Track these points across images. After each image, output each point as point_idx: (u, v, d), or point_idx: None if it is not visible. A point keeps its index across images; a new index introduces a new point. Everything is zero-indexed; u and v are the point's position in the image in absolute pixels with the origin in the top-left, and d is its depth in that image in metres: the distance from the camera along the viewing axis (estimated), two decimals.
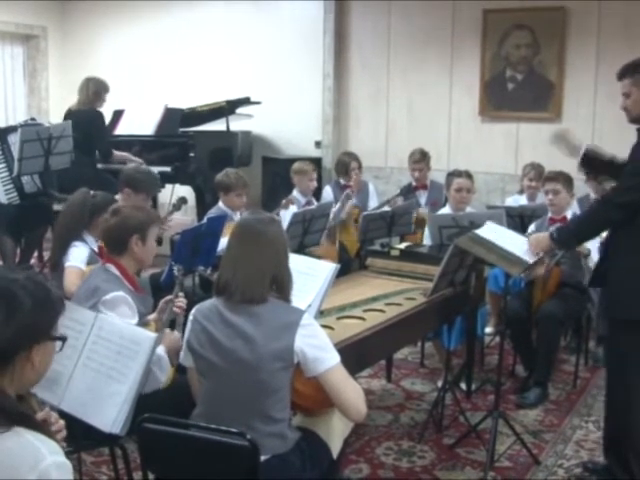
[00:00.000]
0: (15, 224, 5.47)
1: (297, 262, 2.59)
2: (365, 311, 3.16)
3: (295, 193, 5.29)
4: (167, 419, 2.06)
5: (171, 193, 6.35)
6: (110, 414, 2.21)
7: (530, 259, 3.12)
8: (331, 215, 4.81)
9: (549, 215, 4.36)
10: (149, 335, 2.32)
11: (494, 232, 3.23)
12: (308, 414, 2.41)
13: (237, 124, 6.83)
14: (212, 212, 4.44)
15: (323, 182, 6.32)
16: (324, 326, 2.61)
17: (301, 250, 4.16)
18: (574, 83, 5.89)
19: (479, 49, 6.20)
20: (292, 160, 5.97)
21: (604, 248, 3.16)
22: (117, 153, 6.06)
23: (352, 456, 3.31)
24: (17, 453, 1.40)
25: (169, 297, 2.71)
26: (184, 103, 6.85)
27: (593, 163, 3.23)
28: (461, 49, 6.29)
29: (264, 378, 2.13)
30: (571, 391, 4.22)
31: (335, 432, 2.38)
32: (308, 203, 5.24)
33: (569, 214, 4.29)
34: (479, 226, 3.38)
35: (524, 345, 4.21)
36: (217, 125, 6.86)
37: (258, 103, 6.83)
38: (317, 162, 6.42)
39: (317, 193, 5.69)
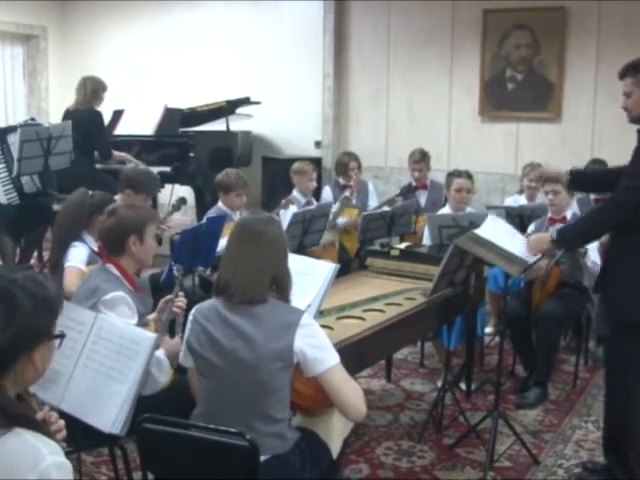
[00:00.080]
0: (15, 224, 5.46)
1: (297, 262, 2.59)
2: (365, 311, 3.16)
3: (295, 193, 5.29)
4: (167, 419, 2.06)
5: (171, 193, 6.35)
6: (110, 414, 2.21)
7: (529, 259, 3.12)
8: (330, 215, 4.81)
9: (549, 215, 4.36)
10: (149, 335, 2.32)
11: (495, 228, 3.22)
12: (308, 414, 2.41)
13: (237, 124, 6.83)
14: (212, 212, 4.44)
15: (323, 182, 6.32)
16: (324, 326, 2.61)
17: (301, 250, 4.16)
18: (574, 83, 5.89)
19: (479, 49, 6.20)
20: (292, 160, 5.96)
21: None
22: (116, 153, 6.06)
23: (352, 456, 3.32)
24: (17, 453, 1.40)
25: (169, 297, 2.71)
26: (184, 103, 6.86)
27: (583, 181, 3.23)
28: (461, 49, 6.29)
29: (264, 378, 2.13)
30: (571, 391, 4.22)
31: (335, 432, 2.38)
32: (308, 203, 5.24)
33: (569, 214, 4.28)
34: (479, 226, 3.37)
35: (524, 345, 4.21)
36: (217, 125, 6.86)
37: (258, 103, 6.83)
38: (317, 162, 6.42)
39: (317, 193, 5.69)
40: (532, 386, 4.06)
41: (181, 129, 6.70)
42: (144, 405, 2.21)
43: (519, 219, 4.52)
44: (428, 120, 6.50)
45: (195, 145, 6.45)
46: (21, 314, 1.47)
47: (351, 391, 2.17)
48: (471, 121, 6.34)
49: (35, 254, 6.03)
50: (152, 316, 2.78)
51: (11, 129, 5.63)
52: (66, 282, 3.28)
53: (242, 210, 4.45)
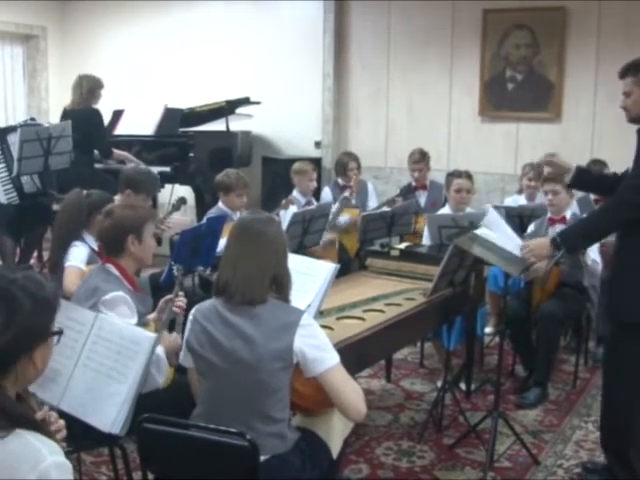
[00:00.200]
0: (15, 224, 5.46)
1: (296, 262, 2.59)
2: (365, 311, 3.16)
3: (295, 193, 5.29)
4: (167, 419, 2.06)
5: (171, 193, 6.35)
6: (110, 414, 2.21)
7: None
8: (330, 216, 4.81)
9: (548, 215, 4.36)
10: (149, 335, 2.32)
11: (495, 225, 3.21)
12: (308, 414, 2.41)
13: (237, 124, 6.83)
14: (212, 212, 4.44)
15: (323, 182, 6.32)
16: (324, 326, 2.61)
17: (301, 250, 4.16)
18: (574, 83, 5.89)
19: (479, 49, 6.20)
20: (292, 160, 5.97)
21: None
22: (117, 152, 6.05)
23: (352, 456, 3.32)
24: (18, 454, 1.40)
25: (169, 296, 2.70)
26: (184, 103, 6.85)
27: (585, 179, 3.22)
28: (461, 49, 6.29)
29: (264, 378, 2.13)
30: (571, 391, 4.22)
31: (335, 432, 2.38)
32: (308, 203, 5.24)
33: (568, 214, 4.28)
34: (479, 226, 3.37)
35: (524, 345, 4.21)
36: (217, 125, 6.86)
37: (258, 103, 6.83)
38: (317, 162, 6.42)
39: (317, 193, 5.69)
40: (532, 386, 4.06)
41: (181, 129, 6.70)
42: (144, 405, 2.21)
43: (519, 219, 4.52)
44: (428, 120, 6.50)
45: (195, 145, 6.45)
46: (21, 315, 1.47)
47: (351, 391, 2.17)
48: (471, 121, 6.34)
49: (35, 254, 6.03)
50: (152, 316, 2.78)
51: (11, 129, 5.62)
52: (66, 282, 3.28)
53: (242, 210, 4.45)
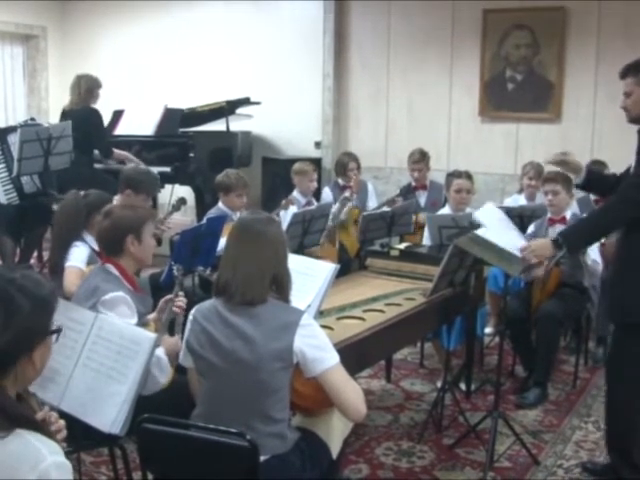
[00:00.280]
0: (15, 224, 5.46)
1: (296, 262, 2.59)
2: (365, 311, 3.16)
3: (295, 193, 5.29)
4: (166, 419, 2.06)
5: (171, 193, 6.36)
6: (110, 414, 2.21)
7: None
8: (330, 216, 4.81)
9: (548, 215, 4.36)
10: (149, 335, 2.32)
11: (494, 221, 3.21)
12: (308, 414, 2.41)
13: (237, 124, 6.83)
14: (212, 212, 4.45)
15: (323, 182, 6.32)
16: (324, 326, 2.61)
17: (301, 250, 4.16)
18: (574, 83, 5.89)
19: (479, 49, 6.20)
20: (292, 160, 5.97)
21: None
22: (117, 151, 6.05)
23: (352, 456, 3.31)
24: (18, 454, 1.40)
25: (169, 296, 2.70)
26: (184, 103, 6.86)
27: (594, 181, 3.20)
28: (461, 49, 6.30)
29: (264, 378, 2.13)
30: (571, 391, 4.22)
31: (335, 432, 2.38)
32: (308, 203, 5.24)
33: (568, 215, 4.28)
34: (479, 226, 3.37)
35: (524, 345, 4.21)
36: (217, 125, 6.86)
37: (258, 103, 6.84)
38: (317, 162, 6.42)
39: (317, 194, 5.69)
40: (532, 386, 4.06)
41: (181, 129, 6.70)
42: (144, 405, 2.21)
43: (519, 219, 4.51)
44: (428, 120, 6.50)
45: (195, 145, 6.45)
46: (20, 315, 1.47)
47: (351, 391, 2.17)
48: (471, 121, 6.34)
49: (35, 254, 6.03)
50: (152, 316, 2.78)
51: (11, 129, 5.62)
52: (66, 282, 3.28)
53: (242, 210, 4.45)
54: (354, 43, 6.82)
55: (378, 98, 6.75)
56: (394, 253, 4.00)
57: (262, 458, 2.05)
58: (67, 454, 1.48)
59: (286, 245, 2.33)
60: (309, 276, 2.70)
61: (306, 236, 4.33)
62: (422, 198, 5.59)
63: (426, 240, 4.46)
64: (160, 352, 2.44)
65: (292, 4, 6.99)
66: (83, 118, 5.60)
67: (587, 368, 4.57)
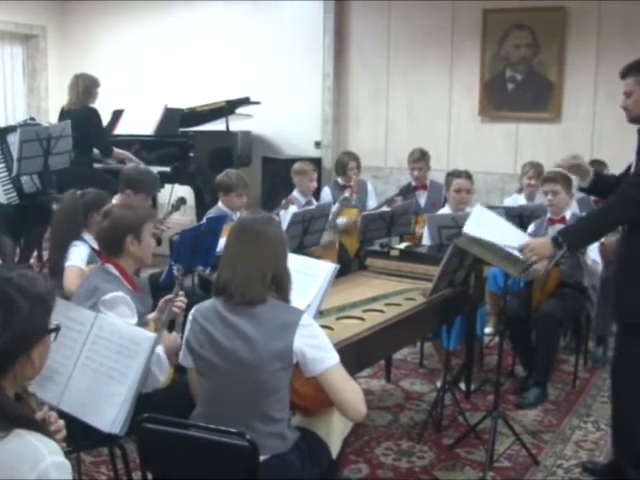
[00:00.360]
0: (14, 224, 5.46)
1: (296, 262, 2.59)
2: (365, 311, 3.16)
3: (295, 193, 5.30)
4: (166, 419, 2.06)
5: (170, 193, 6.36)
6: (109, 414, 2.21)
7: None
8: (330, 216, 4.81)
9: (548, 215, 4.36)
10: (149, 335, 2.32)
11: (488, 224, 3.21)
12: (307, 414, 2.41)
13: (237, 124, 6.83)
14: (212, 212, 4.44)
15: (323, 182, 6.31)
16: (323, 326, 2.61)
17: (300, 250, 4.16)
18: (574, 83, 5.89)
19: (479, 49, 6.20)
20: (292, 160, 5.97)
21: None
22: (117, 150, 6.05)
23: (351, 456, 3.31)
24: (18, 454, 1.40)
25: (169, 296, 2.70)
26: (184, 103, 6.85)
27: (600, 185, 3.19)
28: (461, 49, 6.30)
29: (264, 378, 2.13)
30: (570, 391, 4.22)
31: (334, 432, 2.38)
32: (308, 203, 5.24)
33: (568, 214, 4.28)
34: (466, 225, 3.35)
35: (523, 345, 4.21)
36: (217, 125, 6.86)
37: (258, 103, 6.83)
38: (317, 162, 6.42)
39: (317, 193, 5.70)
40: (531, 386, 4.06)
41: (181, 129, 6.70)
42: (144, 405, 2.21)
43: (519, 219, 4.52)
44: (428, 120, 6.50)
45: (195, 145, 6.45)
46: (18, 316, 1.47)
47: (351, 391, 2.17)
48: (471, 121, 6.34)
49: (35, 254, 6.03)
50: (152, 316, 2.79)
51: (11, 129, 5.62)
52: (66, 281, 3.28)
53: (242, 210, 4.45)
54: (354, 43, 6.82)
55: (378, 98, 6.75)
56: (394, 253, 4.00)
57: (262, 458, 2.05)
58: (67, 454, 1.48)
59: (286, 245, 2.33)
60: (309, 276, 2.70)
61: (306, 236, 4.33)
62: (422, 198, 5.59)
63: (426, 240, 4.46)
64: (160, 350, 2.44)
65: (292, 4, 6.99)
66: (82, 118, 5.59)
67: (587, 368, 4.57)
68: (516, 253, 3.06)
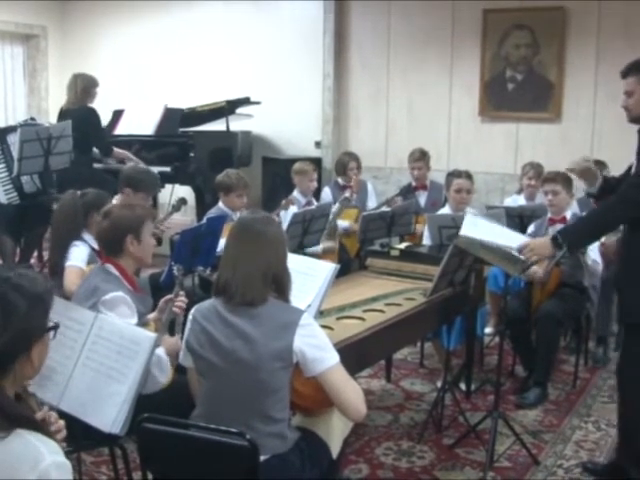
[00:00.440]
0: (15, 224, 5.46)
1: (297, 262, 2.59)
2: (365, 311, 3.16)
3: (295, 193, 5.30)
4: (167, 419, 2.06)
5: (171, 193, 6.36)
6: (110, 414, 2.21)
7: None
8: (330, 216, 4.81)
9: (548, 215, 4.36)
10: (149, 335, 2.32)
11: (486, 227, 3.21)
12: (307, 414, 2.41)
13: (237, 124, 6.82)
14: (212, 212, 4.44)
15: (323, 182, 6.31)
16: (324, 326, 2.61)
17: (301, 250, 4.16)
18: (574, 83, 5.89)
19: (479, 49, 6.20)
20: (292, 160, 5.97)
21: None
22: (117, 150, 6.04)
23: (352, 456, 3.32)
24: (18, 454, 1.40)
25: (169, 296, 2.70)
26: (184, 103, 6.85)
27: (606, 191, 3.17)
28: (461, 49, 6.29)
29: (264, 378, 2.13)
30: (571, 391, 4.22)
31: (335, 432, 2.38)
32: (308, 203, 5.24)
33: (568, 214, 4.28)
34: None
35: (524, 345, 4.21)
36: (217, 125, 6.86)
37: (258, 103, 6.83)
38: (317, 162, 6.42)
39: (317, 193, 5.70)
40: (532, 386, 4.06)
41: (181, 129, 6.70)
42: (144, 405, 2.21)
43: (519, 219, 4.52)
44: (428, 120, 6.50)
45: (195, 145, 6.45)
46: (17, 316, 1.46)
47: (351, 391, 2.17)
48: (471, 121, 6.34)
49: (35, 254, 6.03)
50: (152, 316, 2.78)
51: (11, 129, 5.62)
52: (66, 281, 3.28)
53: (242, 211, 4.45)
54: (354, 43, 6.82)
55: (378, 98, 6.75)
56: (394, 253, 4.00)
57: (262, 458, 2.05)
58: (67, 454, 1.48)
59: (286, 245, 2.33)
60: (309, 276, 2.70)
61: (306, 236, 4.33)
62: (422, 198, 5.59)
63: (426, 240, 4.46)
64: (160, 352, 2.44)
65: (292, 4, 6.99)
66: (81, 118, 5.57)
67: (587, 368, 4.57)
68: (515, 253, 3.06)
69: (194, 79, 7.41)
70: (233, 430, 1.99)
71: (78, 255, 3.37)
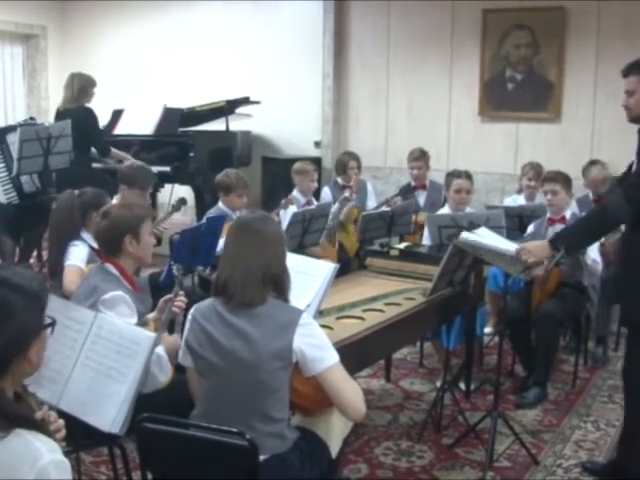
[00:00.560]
0: (14, 224, 5.46)
1: (296, 262, 2.59)
2: (364, 311, 3.16)
3: (295, 193, 5.29)
4: (166, 419, 2.06)
5: (171, 193, 6.35)
6: (109, 414, 2.21)
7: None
8: (330, 216, 4.81)
9: (548, 215, 4.36)
10: (148, 335, 2.32)
11: (485, 234, 3.22)
12: (307, 414, 2.41)
13: (237, 124, 6.82)
14: (212, 212, 4.45)
15: (322, 182, 6.31)
16: (323, 326, 2.61)
17: (300, 250, 4.16)
18: (574, 83, 5.88)
19: (479, 49, 6.19)
20: (292, 160, 5.97)
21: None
22: (114, 151, 6.03)
23: (351, 456, 3.32)
24: (18, 453, 1.40)
25: (169, 296, 2.71)
26: (184, 103, 6.85)
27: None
28: (461, 49, 6.29)
29: (263, 378, 2.13)
30: (570, 391, 4.22)
31: (334, 432, 2.38)
32: (308, 203, 5.24)
33: (568, 214, 4.28)
34: (478, 226, 3.37)
35: (523, 345, 4.21)
36: (217, 125, 6.86)
37: (258, 103, 6.83)
38: (317, 162, 6.42)
39: (316, 193, 5.69)
40: (531, 386, 4.06)
41: (181, 129, 6.69)
42: (143, 404, 2.21)
43: (518, 219, 4.52)
44: (428, 120, 6.50)
45: (195, 145, 6.44)
46: (14, 318, 1.46)
47: (351, 390, 2.17)
48: (471, 121, 6.34)
49: (34, 254, 6.03)
50: (152, 315, 2.79)
51: (11, 129, 5.62)
52: (66, 281, 3.29)
53: (242, 210, 4.45)
54: (354, 43, 6.82)
55: (378, 98, 6.75)
56: (394, 253, 4.00)
57: (262, 457, 2.05)
58: (66, 453, 1.48)
59: (285, 244, 2.33)
60: (309, 276, 2.70)
61: (306, 236, 4.33)
62: (422, 198, 5.59)
63: (426, 240, 4.46)
64: (160, 350, 2.44)
65: (292, 4, 6.99)
66: (78, 118, 5.56)
67: (587, 368, 4.57)
68: (511, 252, 3.06)
69: (194, 79, 7.40)
70: (233, 430, 1.99)
71: (77, 255, 3.37)
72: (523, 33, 6.00)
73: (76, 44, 8.17)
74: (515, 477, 3.22)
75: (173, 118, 6.60)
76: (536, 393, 4.01)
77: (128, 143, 6.46)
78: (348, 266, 4.64)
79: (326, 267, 2.76)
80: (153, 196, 6.44)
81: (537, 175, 5.13)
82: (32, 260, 5.93)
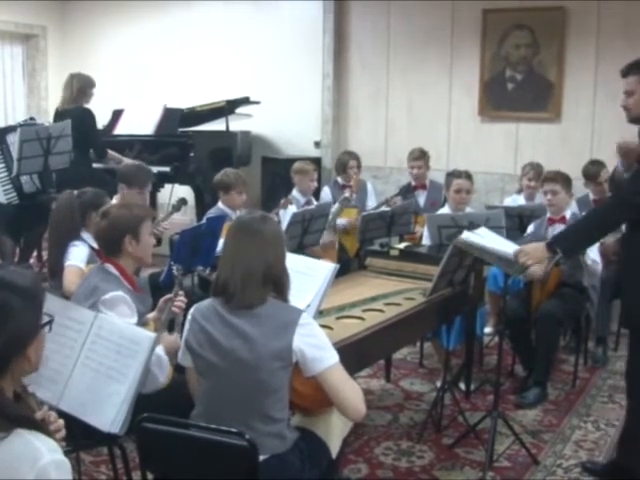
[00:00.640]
0: (14, 224, 5.46)
1: (296, 262, 2.59)
2: (364, 311, 3.16)
3: (295, 193, 5.29)
4: (166, 419, 2.06)
5: (171, 193, 6.35)
6: (109, 414, 2.21)
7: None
8: (330, 216, 4.81)
9: (548, 215, 4.35)
10: (148, 335, 2.32)
11: (485, 235, 3.22)
12: (307, 414, 2.41)
13: (236, 124, 6.82)
14: (211, 212, 4.45)
15: (322, 182, 6.31)
16: (323, 326, 2.61)
17: (300, 250, 4.16)
18: (574, 83, 5.88)
19: (479, 49, 6.19)
20: (292, 160, 5.97)
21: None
22: (111, 153, 6.01)
23: (351, 456, 3.32)
24: (18, 453, 1.40)
25: (168, 296, 2.71)
26: (184, 103, 6.85)
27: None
28: (461, 49, 6.29)
29: (263, 378, 2.13)
30: (570, 391, 4.22)
31: (334, 432, 2.38)
32: (308, 203, 5.24)
33: (568, 214, 4.28)
34: (478, 226, 3.37)
35: (523, 345, 4.21)
36: (216, 125, 6.86)
37: (257, 103, 6.83)
38: (316, 162, 6.42)
39: (316, 193, 5.69)
40: (531, 386, 4.06)
41: (181, 129, 6.69)
42: (143, 404, 2.21)
43: (518, 219, 4.52)
44: (428, 120, 6.50)
45: (195, 145, 6.44)
46: (12, 319, 1.45)
47: (350, 390, 2.17)
48: (471, 121, 6.34)
49: (34, 254, 6.03)
50: (152, 315, 2.79)
51: (11, 129, 5.62)
52: (66, 281, 3.29)
53: (242, 209, 4.45)
54: (354, 43, 6.82)
55: (378, 98, 6.75)
56: (393, 253, 4.00)
57: (261, 458, 2.05)
58: (66, 453, 1.48)
59: (284, 244, 2.33)
60: (309, 276, 2.70)
61: (305, 236, 4.33)
62: (421, 198, 5.59)
63: (426, 240, 4.46)
64: (160, 350, 2.44)
65: (292, 4, 6.99)
66: (77, 118, 5.54)
67: (587, 368, 4.57)
68: (512, 258, 3.06)
69: (194, 79, 7.40)
70: (233, 430, 1.99)
71: (77, 255, 3.37)
72: (523, 33, 6.00)
73: (76, 44, 8.17)
74: (515, 477, 3.22)
75: (173, 118, 6.60)
76: (536, 393, 4.01)
77: (128, 143, 6.45)
78: (348, 266, 4.64)
79: (326, 267, 2.76)
80: (153, 196, 6.44)
81: (537, 175, 5.13)
82: (32, 260, 5.94)
